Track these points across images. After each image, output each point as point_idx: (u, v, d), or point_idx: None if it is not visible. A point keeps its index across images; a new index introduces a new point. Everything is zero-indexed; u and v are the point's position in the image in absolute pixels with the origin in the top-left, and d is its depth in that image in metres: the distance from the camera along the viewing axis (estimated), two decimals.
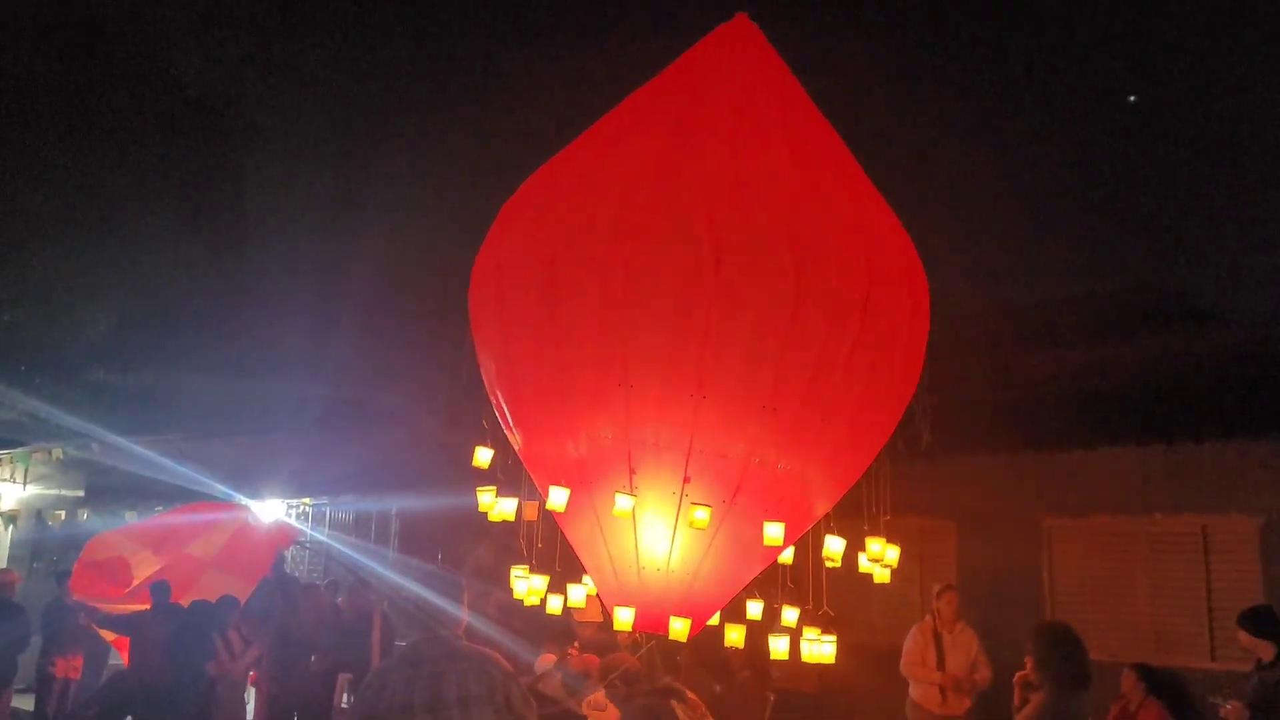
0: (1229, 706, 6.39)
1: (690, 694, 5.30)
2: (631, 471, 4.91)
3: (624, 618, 5.00)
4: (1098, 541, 9.08)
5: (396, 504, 15.21)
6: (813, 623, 5.49)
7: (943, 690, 8.28)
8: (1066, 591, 9.18)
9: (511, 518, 5.65)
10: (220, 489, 14.43)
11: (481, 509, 5.76)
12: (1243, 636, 6.60)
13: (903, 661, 8.54)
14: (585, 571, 5.60)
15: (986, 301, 14.32)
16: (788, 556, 5.58)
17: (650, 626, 5.15)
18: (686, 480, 4.91)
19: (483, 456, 5.76)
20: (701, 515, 4.82)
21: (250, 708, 9.56)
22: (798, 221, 4.78)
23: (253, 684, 9.51)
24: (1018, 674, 5.71)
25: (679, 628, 4.99)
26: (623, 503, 4.80)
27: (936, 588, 8.69)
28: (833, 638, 5.36)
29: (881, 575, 5.70)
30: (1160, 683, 7.72)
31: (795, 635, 5.50)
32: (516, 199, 5.53)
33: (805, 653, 5.41)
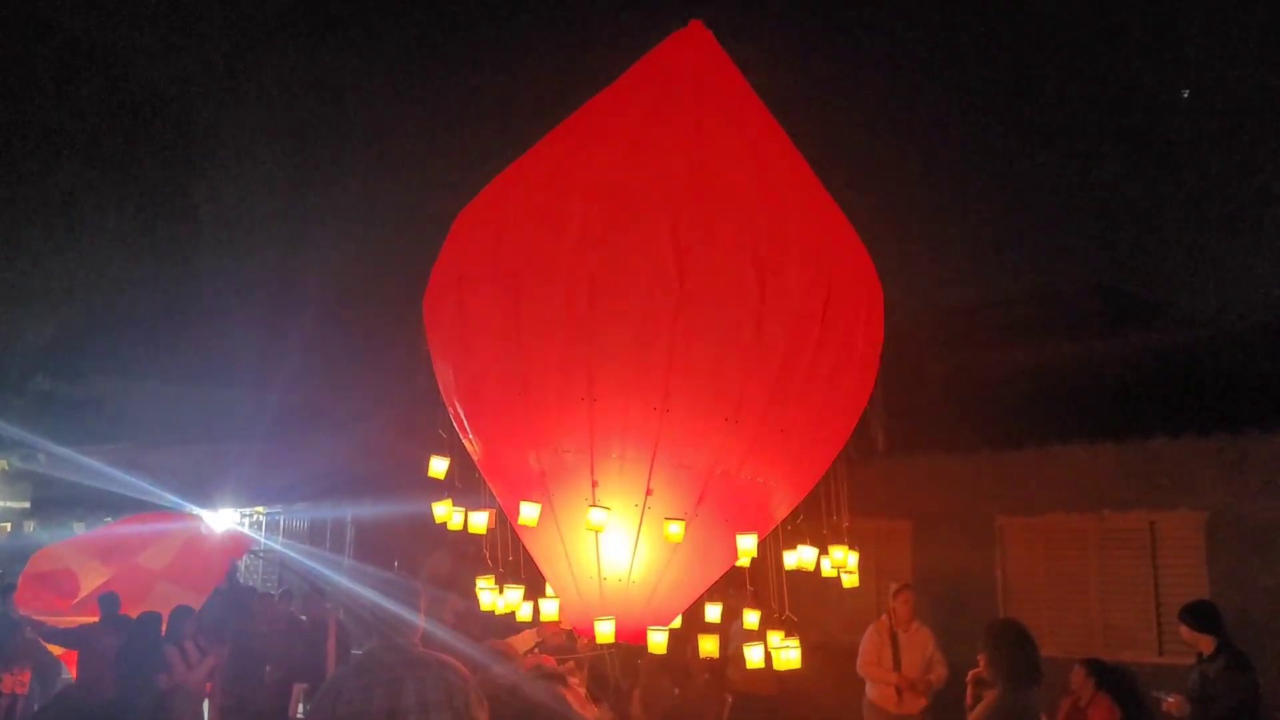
0: (1171, 700, 6.52)
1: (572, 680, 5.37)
2: (594, 484, 4.91)
3: (605, 630, 4.98)
4: (1049, 539, 9.23)
5: (352, 511, 15.09)
6: (775, 627, 5.50)
7: (898, 690, 8.35)
8: (1019, 588, 9.32)
9: (483, 530, 5.59)
10: (171, 499, 14.24)
11: (438, 520, 5.71)
12: (1184, 631, 6.75)
13: (859, 661, 8.60)
14: (547, 582, 5.57)
15: (938, 305, 14.50)
16: (745, 559, 5.60)
17: (621, 636, 5.15)
18: (649, 492, 4.92)
19: (438, 466, 5.71)
20: (675, 529, 4.83)
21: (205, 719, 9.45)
22: (759, 236, 4.83)
23: (208, 695, 9.39)
24: (971, 672, 5.77)
25: (659, 640, 5.00)
26: (597, 516, 4.79)
27: (893, 588, 8.76)
28: (795, 642, 5.36)
29: (850, 580, 5.74)
30: (1109, 678, 7.82)
31: (757, 639, 5.50)
32: (473, 209, 5.50)
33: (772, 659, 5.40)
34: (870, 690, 8.54)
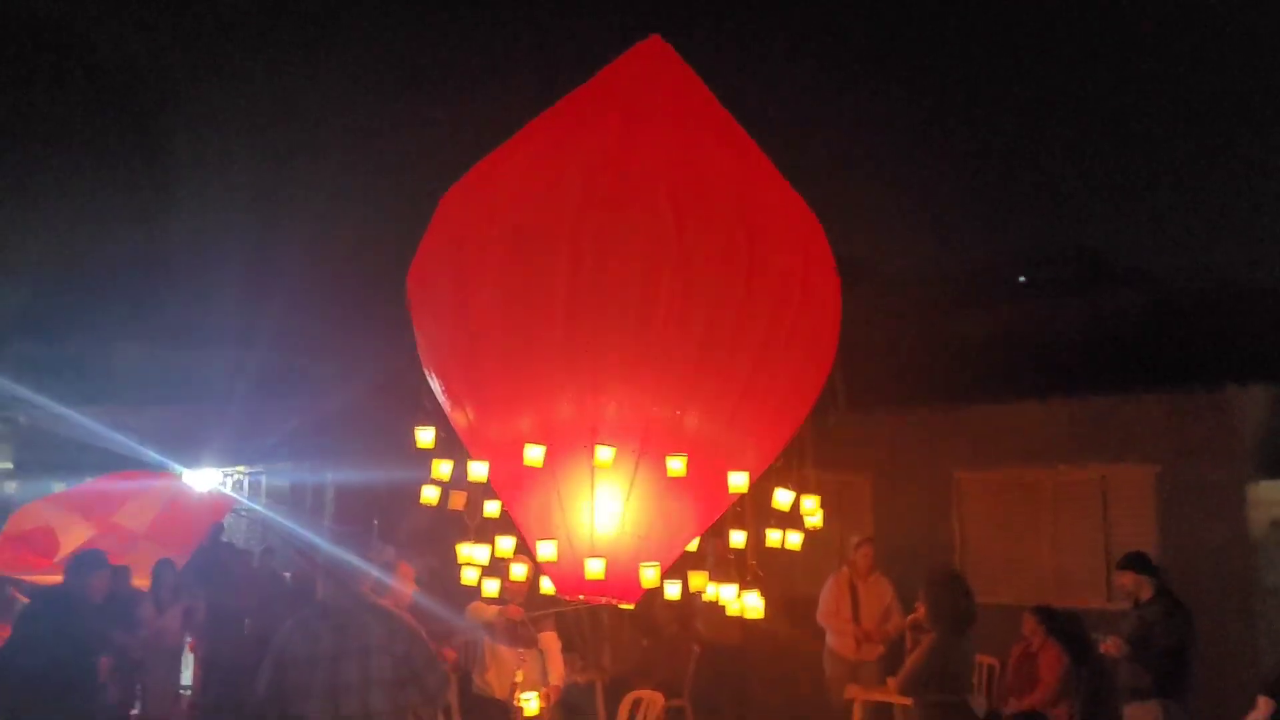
0: (1109, 642, 6.85)
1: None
2: (594, 431, 5.11)
3: (595, 568, 5.16)
4: (1005, 492, 9.51)
5: (332, 473, 15.28)
6: (741, 580, 5.65)
7: (857, 638, 8.65)
8: (975, 540, 9.60)
9: (483, 479, 5.60)
10: (154, 457, 14.37)
11: (435, 476, 5.76)
12: (1127, 578, 7.05)
13: (819, 611, 8.88)
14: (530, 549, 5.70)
15: (902, 267, 14.74)
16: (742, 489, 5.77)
17: (611, 591, 5.36)
18: (646, 440, 5.13)
19: (424, 437, 5.83)
20: (677, 465, 5.00)
21: (188, 673, 9.66)
22: (747, 205, 5.15)
23: (191, 650, 9.59)
24: (909, 617, 6.05)
25: (650, 575, 5.19)
26: (604, 453, 4.96)
27: (854, 540, 9.03)
28: (757, 591, 5.51)
29: (814, 523, 5.88)
30: (1057, 624, 8.16)
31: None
32: (465, 186, 5.67)
33: (732, 608, 5.54)
34: (830, 639, 8.84)
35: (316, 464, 15.48)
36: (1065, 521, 9.10)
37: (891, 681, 7.64)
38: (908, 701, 6.57)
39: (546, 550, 5.53)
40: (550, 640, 7.08)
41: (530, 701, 6.07)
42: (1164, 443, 8.57)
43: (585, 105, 5.70)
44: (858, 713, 8.44)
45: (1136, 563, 7.13)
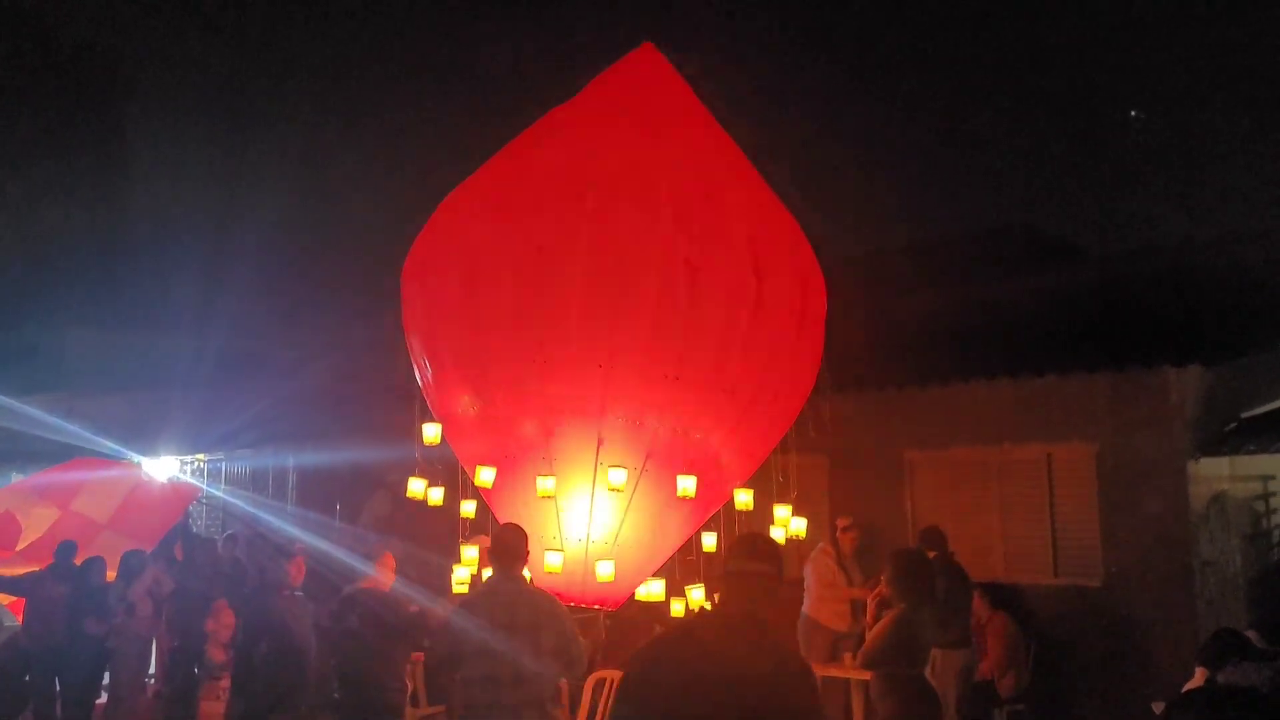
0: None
1: None
2: (600, 443, 5.33)
3: (605, 572, 5.40)
4: (954, 471, 9.79)
5: (293, 458, 15.29)
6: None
7: (854, 606, 8.90)
8: (926, 517, 9.84)
9: (489, 484, 5.75)
10: (111, 446, 14.30)
11: (477, 484, 5.93)
12: None
13: (817, 584, 9.13)
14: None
15: (853, 251, 14.99)
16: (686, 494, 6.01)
17: (576, 598, 5.58)
18: (649, 457, 5.34)
19: (430, 433, 6.05)
20: (617, 477, 5.25)
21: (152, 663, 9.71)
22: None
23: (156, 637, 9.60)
24: (874, 593, 6.29)
25: (605, 571, 5.41)
26: (546, 483, 5.20)
27: (841, 523, 9.32)
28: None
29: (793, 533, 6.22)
30: (1001, 597, 8.52)
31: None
32: (470, 187, 5.78)
33: None
34: (818, 612, 9.09)
35: (277, 449, 15.47)
36: (1012, 498, 9.39)
37: (848, 658, 7.95)
38: (866, 675, 6.83)
39: (553, 560, 5.74)
40: None
41: None
42: (1105, 421, 8.85)
43: (595, 118, 5.82)
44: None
45: (923, 541, 8.06)
